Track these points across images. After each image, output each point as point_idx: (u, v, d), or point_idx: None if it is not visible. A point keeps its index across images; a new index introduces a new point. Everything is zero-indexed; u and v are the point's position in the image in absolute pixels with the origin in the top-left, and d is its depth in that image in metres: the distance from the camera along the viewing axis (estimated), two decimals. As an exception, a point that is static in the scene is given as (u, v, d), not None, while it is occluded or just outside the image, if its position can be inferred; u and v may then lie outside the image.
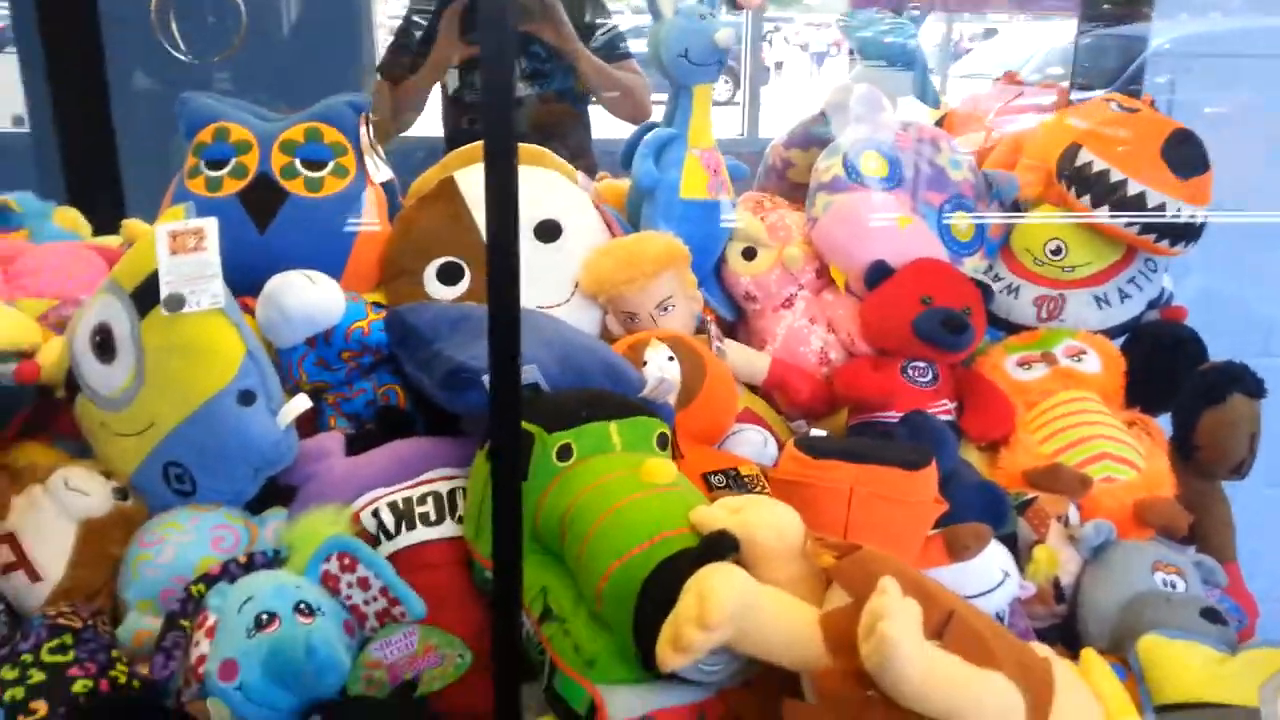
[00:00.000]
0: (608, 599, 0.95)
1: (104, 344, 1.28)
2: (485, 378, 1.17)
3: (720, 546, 0.92)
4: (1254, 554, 2.03)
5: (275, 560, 1.18)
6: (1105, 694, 0.93)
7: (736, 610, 0.83)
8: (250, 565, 1.16)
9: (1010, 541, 1.33)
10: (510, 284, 0.87)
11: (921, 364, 1.54)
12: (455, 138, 2.46)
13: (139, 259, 1.27)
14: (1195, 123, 1.62)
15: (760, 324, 1.70)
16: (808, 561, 0.95)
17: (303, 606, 1.09)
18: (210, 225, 1.25)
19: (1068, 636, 1.31)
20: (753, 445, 1.46)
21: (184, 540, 1.20)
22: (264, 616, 1.06)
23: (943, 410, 1.51)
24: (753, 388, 1.65)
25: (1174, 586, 1.26)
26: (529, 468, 1.07)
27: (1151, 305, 1.65)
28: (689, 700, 0.93)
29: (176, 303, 1.23)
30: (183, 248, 1.25)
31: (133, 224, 1.93)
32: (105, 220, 1.97)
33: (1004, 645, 0.87)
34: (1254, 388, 1.43)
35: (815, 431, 1.37)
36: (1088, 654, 0.98)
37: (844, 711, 0.83)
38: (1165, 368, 1.54)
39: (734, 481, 1.36)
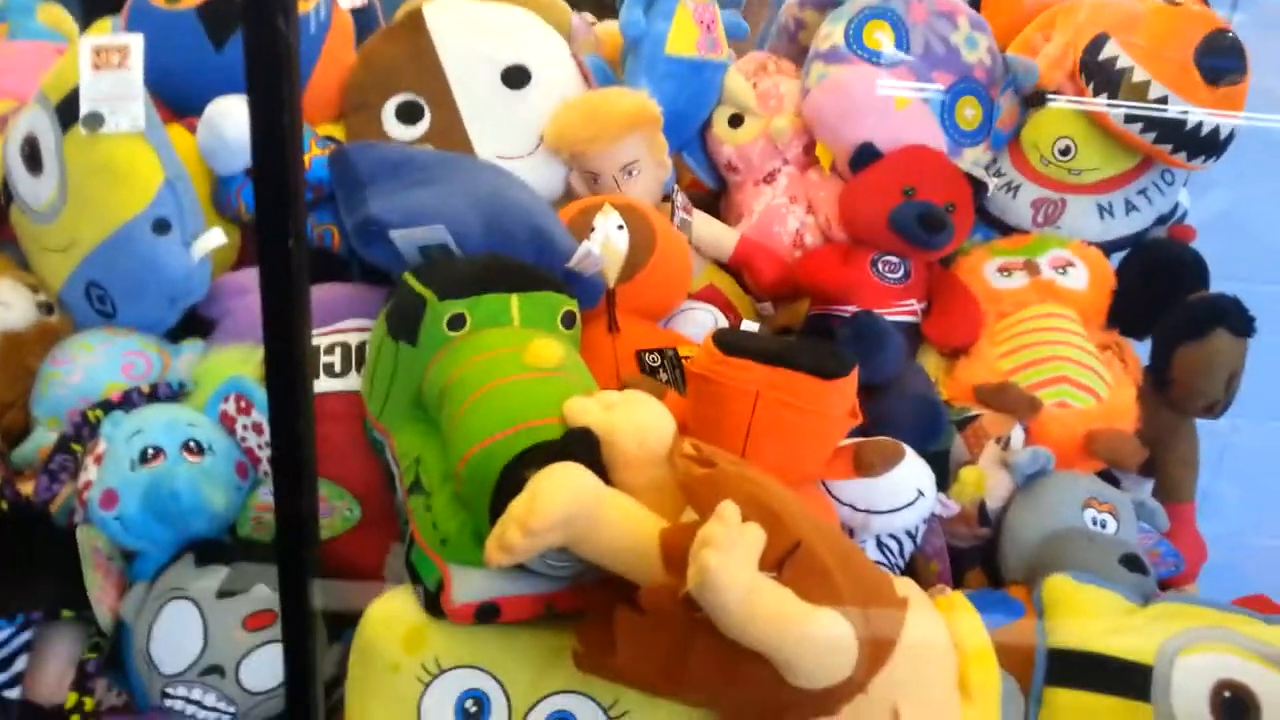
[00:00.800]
0: (467, 481, 0.92)
1: (32, 156, 1.25)
2: (394, 232, 1.12)
3: (578, 445, 0.88)
4: (1250, 489, 1.95)
5: (179, 393, 1.18)
6: (964, 639, 0.89)
7: (566, 515, 0.80)
8: (153, 396, 1.16)
9: (943, 457, 1.27)
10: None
11: (894, 259, 1.45)
12: None
13: (65, 71, 1.22)
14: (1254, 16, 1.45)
15: (739, 197, 1.60)
16: (673, 470, 0.91)
17: (192, 444, 1.09)
18: (135, 43, 1.19)
19: (989, 562, 1.27)
20: (701, 325, 1.40)
21: (94, 363, 1.20)
22: (149, 450, 1.07)
23: (907, 310, 1.43)
24: (723, 264, 1.57)
25: (1103, 526, 1.20)
26: (418, 333, 1.03)
27: (1160, 221, 1.52)
28: (537, 591, 0.92)
29: (95, 121, 1.18)
30: (106, 64, 1.19)
31: (106, 22, 1.87)
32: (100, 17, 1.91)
33: (854, 582, 0.83)
34: (1240, 325, 1.31)
35: (746, 324, 1.30)
36: (954, 597, 0.94)
37: (672, 630, 0.80)
38: (1156, 291, 1.43)
39: (669, 362, 1.31)
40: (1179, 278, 1.43)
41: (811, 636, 0.77)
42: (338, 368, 1.18)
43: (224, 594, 1.01)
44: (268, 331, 0.68)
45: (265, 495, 1.12)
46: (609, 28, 1.79)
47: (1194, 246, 1.49)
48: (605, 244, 1.31)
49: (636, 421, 0.90)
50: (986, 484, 1.23)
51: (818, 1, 1.72)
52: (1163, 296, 1.42)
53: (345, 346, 1.19)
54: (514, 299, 1.06)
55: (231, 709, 0.99)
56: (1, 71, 1.60)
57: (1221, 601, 1.11)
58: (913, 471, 1.15)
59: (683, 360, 1.30)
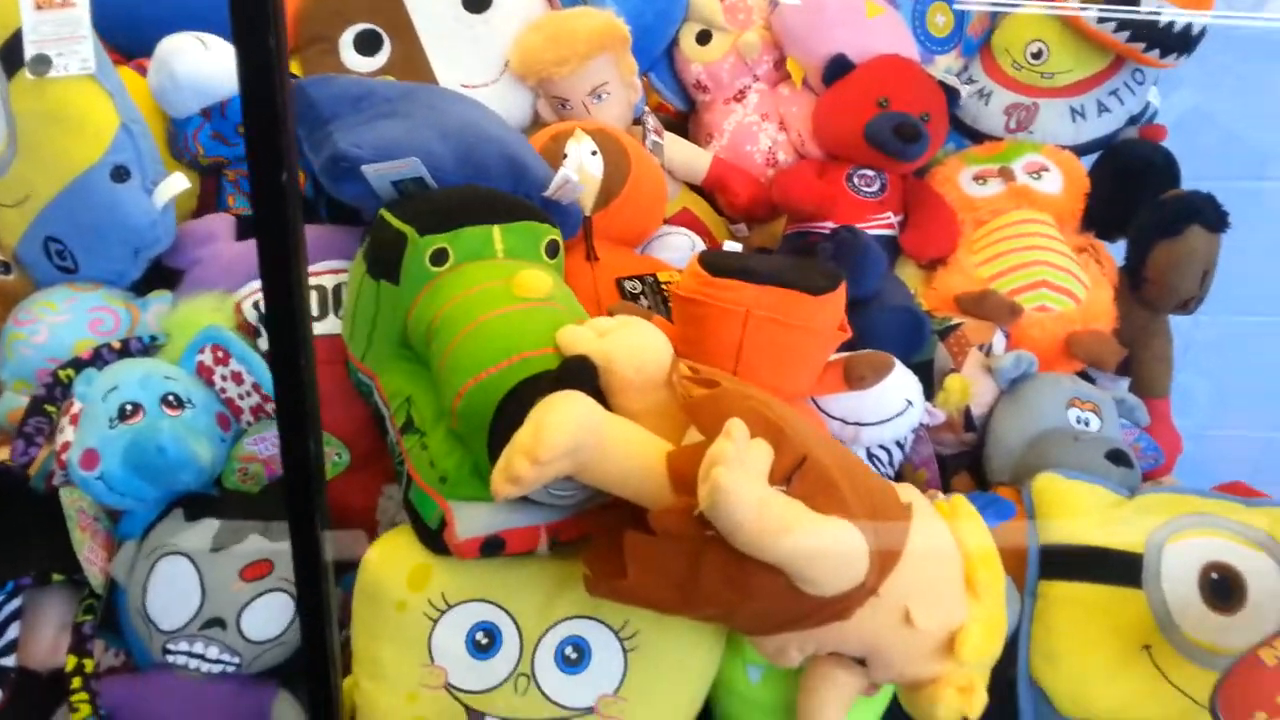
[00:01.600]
0: (462, 417, 0.91)
1: (-25, 105, 1.19)
2: (367, 167, 1.09)
3: (576, 373, 0.87)
4: (1215, 383, 1.99)
5: (151, 347, 1.14)
6: (967, 541, 0.90)
7: (573, 444, 0.79)
8: (125, 351, 1.13)
9: (927, 367, 1.28)
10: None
11: (869, 172, 1.44)
12: None
13: (3, 12, 1.16)
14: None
15: (709, 117, 1.58)
16: (672, 392, 0.90)
17: (171, 398, 1.06)
18: (75, -21, 1.13)
19: (976, 466, 1.29)
20: (678, 250, 1.38)
21: (59, 321, 1.16)
22: (127, 407, 1.04)
23: (884, 224, 1.42)
24: (696, 187, 1.55)
25: (1086, 424, 1.22)
26: (399, 271, 1.01)
27: (1132, 121, 1.52)
28: (540, 521, 0.91)
29: (42, 64, 1.13)
30: (49, 3, 1.13)
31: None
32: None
33: (859, 491, 0.84)
34: (1214, 221, 1.32)
35: (728, 245, 1.29)
36: (956, 499, 0.95)
37: (684, 550, 0.80)
38: (1129, 192, 1.43)
39: (650, 289, 1.29)
40: (1151, 177, 1.43)
41: (824, 545, 0.78)
42: (315, 311, 1.15)
43: (218, 547, 1.00)
44: (265, 271, 0.66)
45: (249, 446, 1.10)
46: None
47: (1164, 145, 1.48)
48: (580, 171, 1.28)
49: (633, 346, 0.89)
50: (971, 390, 1.23)
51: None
52: (1135, 197, 1.43)
53: (321, 290, 1.17)
54: (496, 230, 1.04)
55: (236, 659, 0.98)
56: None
57: (1203, 489, 1.14)
58: (900, 382, 1.16)
59: (663, 285, 1.29)
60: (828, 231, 1.37)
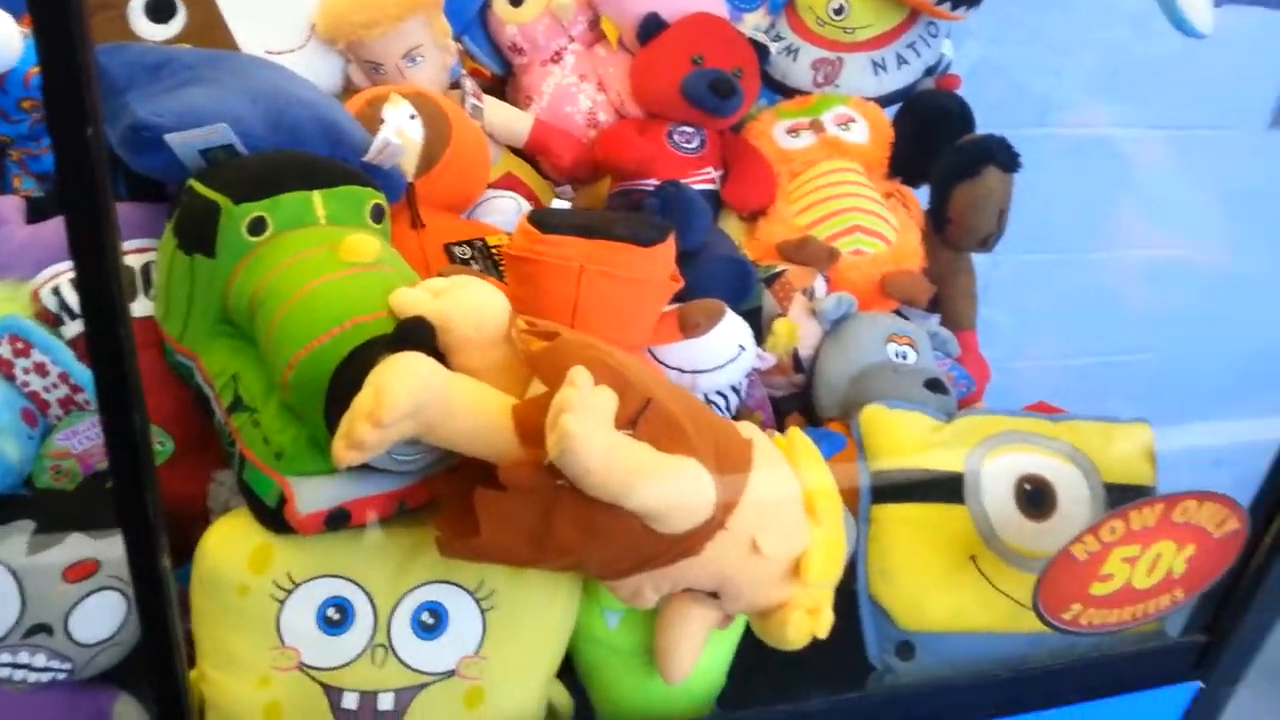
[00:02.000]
0: (295, 389, 0.88)
1: None
2: (171, 136, 1.03)
3: (414, 334, 0.85)
4: (1013, 317, 2.15)
5: (-61, 342, 1.05)
6: (805, 471, 0.94)
7: (416, 404, 0.78)
8: (-91, 350, 1.03)
9: (756, 314, 1.32)
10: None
11: (689, 129, 1.47)
12: None
13: None
14: None
15: (526, 80, 1.57)
16: (513, 348, 0.90)
17: (-33, 397, 0.98)
18: None
19: (807, 406, 1.35)
20: (505, 213, 1.38)
21: None
22: (-82, 412, 0.95)
23: (706, 179, 1.46)
24: (518, 151, 1.54)
25: (904, 357, 1.29)
26: (214, 243, 0.96)
27: (929, 73, 1.61)
28: (386, 489, 0.90)
29: None
30: None
31: None
32: None
33: (702, 430, 0.86)
34: (1008, 162, 1.43)
35: (557, 203, 1.29)
36: (792, 433, 0.99)
37: (535, 502, 0.81)
38: (929, 139, 1.52)
39: (480, 253, 1.28)
40: (948, 124, 1.53)
41: (673, 485, 0.80)
42: (124, 293, 1.08)
43: (36, 550, 0.93)
44: (74, 241, 0.61)
45: (61, 441, 1.03)
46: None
47: (959, 94, 1.58)
48: (400, 135, 1.25)
49: (470, 304, 0.88)
50: (798, 333, 1.29)
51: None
52: (935, 143, 1.52)
53: (129, 270, 1.09)
54: (317, 196, 1.00)
55: (67, 665, 0.92)
56: None
57: (1013, 409, 1.23)
58: (731, 329, 1.20)
59: (493, 249, 1.28)
60: (652, 188, 1.40)
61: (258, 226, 0.97)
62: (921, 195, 1.56)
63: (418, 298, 0.89)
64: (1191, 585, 1.09)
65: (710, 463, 0.84)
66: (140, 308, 1.08)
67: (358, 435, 0.76)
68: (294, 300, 0.90)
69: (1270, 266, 2.03)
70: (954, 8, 1.50)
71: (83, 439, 1.03)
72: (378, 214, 1.06)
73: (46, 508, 0.97)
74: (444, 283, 0.91)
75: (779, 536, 0.89)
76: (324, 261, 0.93)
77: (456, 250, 1.26)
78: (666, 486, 0.80)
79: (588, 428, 0.75)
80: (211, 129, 1.03)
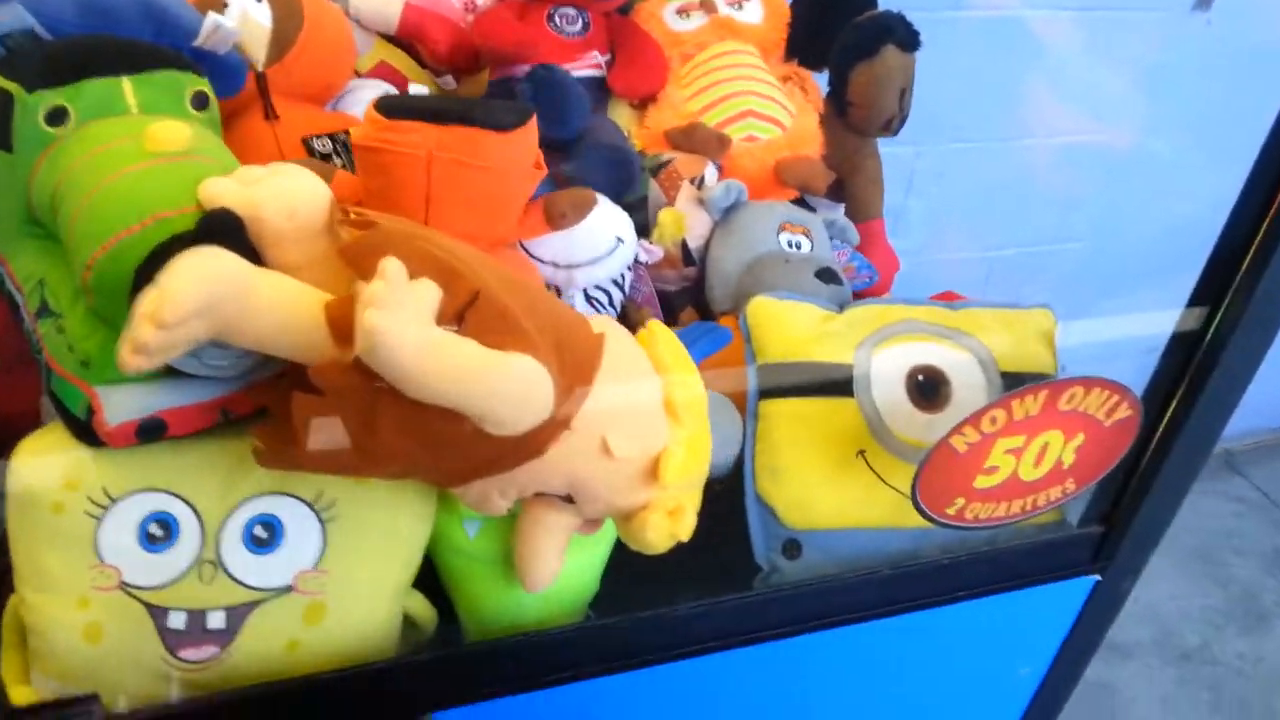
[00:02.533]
0: (97, 291, 0.80)
1: None
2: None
3: (218, 228, 0.78)
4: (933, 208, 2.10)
5: None
6: (665, 363, 0.89)
7: (205, 301, 0.71)
8: None
9: (642, 205, 1.26)
10: None
11: (571, 11, 1.37)
12: None
13: None
14: None
15: (399, -38, 1.45)
16: (335, 240, 0.82)
17: None
18: None
19: (700, 300, 1.29)
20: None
21: None
22: None
23: (591, 64, 1.37)
24: (392, 38, 1.44)
25: (798, 248, 1.24)
26: (9, 136, 0.87)
27: (828, -52, 1.51)
28: (204, 398, 0.83)
29: None
30: None
31: None
32: None
33: (542, 322, 0.80)
34: (907, 40, 1.35)
35: (414, 88, 1.20)
36: (652, 325, 0.93)
37: (352, 404, 0.75)
38: (829, 19, 1.43)
39: (343, 147, 1.20)
40: (849, 4, 1.44)
41: (500, 383, 0.74)
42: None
43: None
44: None
45: None
46: None
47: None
48: (244, 20, 1.15)
49: (283, 191, 0.80)
50: (685, 223, 1.22)
51: None
52: (835, 24, 1.43)
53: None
54: (126, 82, 0.91)
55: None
56: None
57: (911, 297, 1.18)
58: (608, 219, 1.13)
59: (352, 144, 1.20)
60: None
61: (58, 116, 0.87)
62: (821, 80, 1.48)
63: (227, 188, 0.81)
64: (1083, 476, 1.06)
65: (550, 358, 0.78)
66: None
67: (140, 337, 0.69)
68: (93, 194, 0.82)
69: (1190, 149, 1.98)
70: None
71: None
72: (200, 101, 0.97)
73: None
74: (259, 172, 0.83)
75: (631, 436, 0.84)
76: (129, 152, 0.84)
77: (316, 143, 1.18)
78: (493, 384, 0.73)
79: (396, 323, 0.68)
80: (4, 9, 0.92)
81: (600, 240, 1.11)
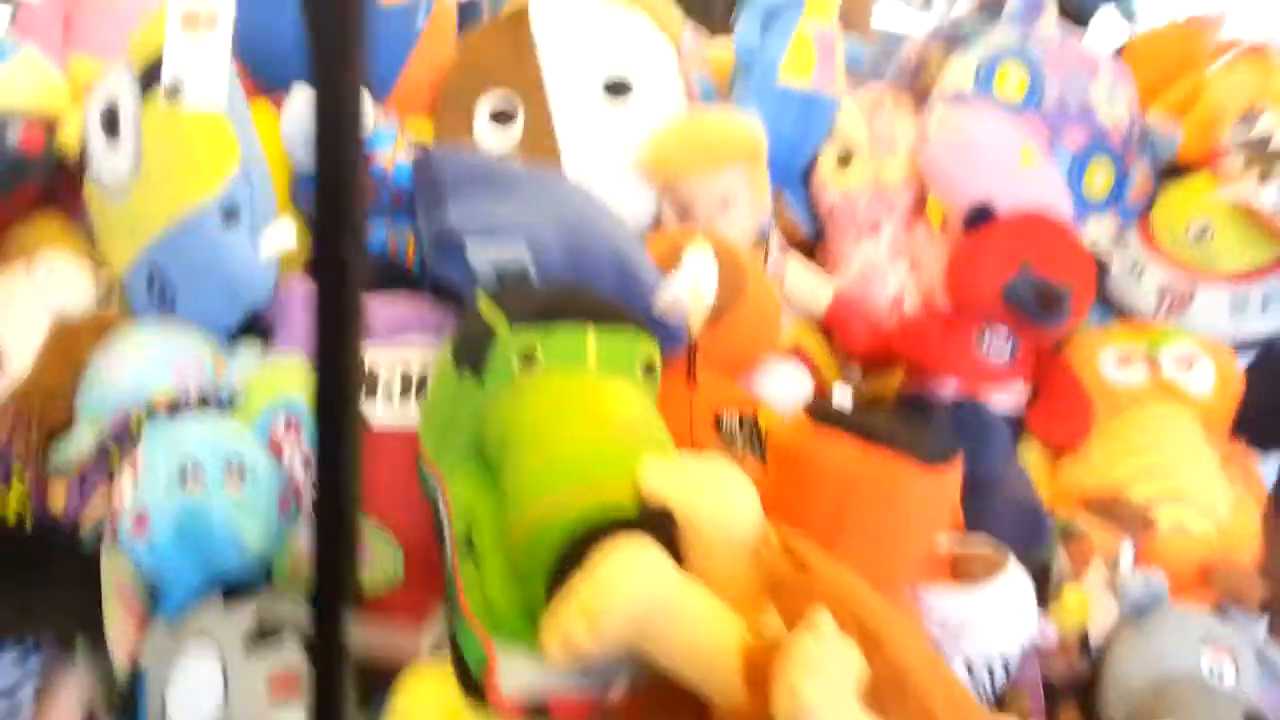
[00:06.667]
0: (522, 548, 0.83)
1: (111, 121, 1.17)
2: (469, 241, 1.03)
3: (653, 528, 0.78)
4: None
5: (229, 404, 1.09)
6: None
7: (641, 612, 0.70)
8: (203, 405, 1.07)
9: (1043, 573, 1.15)
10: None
11: (1002, 336, 1.33)
12: None
13: (151, 34, 1.14)
14: None
15: (837, 247, 1.49)
16: (757, 561, 0.80)
17: (236, 467, 0.99)
18: (225, 8, 1.11)
19: (1085, 699, 1.14)
20: (786, 385, 1.28)
21: (145, 361, 1.10)
22: (189, 468, 0.97)
23: (1011, 396, 1.30)
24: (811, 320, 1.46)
25: (1220, 673, 1.07)
26: (484, 364, 0.93)
27: (1300, 323, 1.38)
28: (592, 689, 0.81)
29: (175, 90, 1.10)
30: (193, 29, 1.11)
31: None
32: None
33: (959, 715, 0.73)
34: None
35: (838, 391, 1.18)
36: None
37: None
38: (1293, 405, 1.30)
39: (749, 431, 1.19)
40: (1317, 390, 1.30)
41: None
42: (395, 393, 1.08)
43: (251, 649, 0.91)
44: (317, 346, 0.59)
45: (303, 539, 1.03)
46: (719, 46, 1.69)
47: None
48: (692, 285, 1.20)
49: (722, 505, 0.80)
50: (1091, 609, 1.10)
51: (947, 38, 1.60)
52: (1298, 409, 1.29)
53: (406, 370, 1.10)
54: (591, 333, 0.95)
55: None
56: (97, 27, 1.53)
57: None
58: (1016, 588, 1.03)
59: (761, 429, 1.19)
60: (948, 396, 1.27)
61: (528, 357, 0.93)
62: (1269, 468, 1.32)
63: (668, 479, 0.81)
64: None
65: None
66: (410, 411, 1.07)
67: (573, 639, 0.69)
68: (541, 446, 0.86)
69: None
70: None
71: (322, 535, 1.02)
72: (649, 369, 1.00)
73: (276, 602, 0.97)
74: (699, 468, 0.83)
75: None
76: (581, 410, 0.88)
77: (726, 419, 1.18)
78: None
79: (824, 694, 0.64)
80: (507, 246, 1.02)
81: (1002, 610, 1.02)
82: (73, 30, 1.61)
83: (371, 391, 1.08)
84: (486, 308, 0.96)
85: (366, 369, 1.09)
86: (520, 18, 1.39)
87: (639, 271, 1.11)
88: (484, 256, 1.01)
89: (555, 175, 1.30)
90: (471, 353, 0.94)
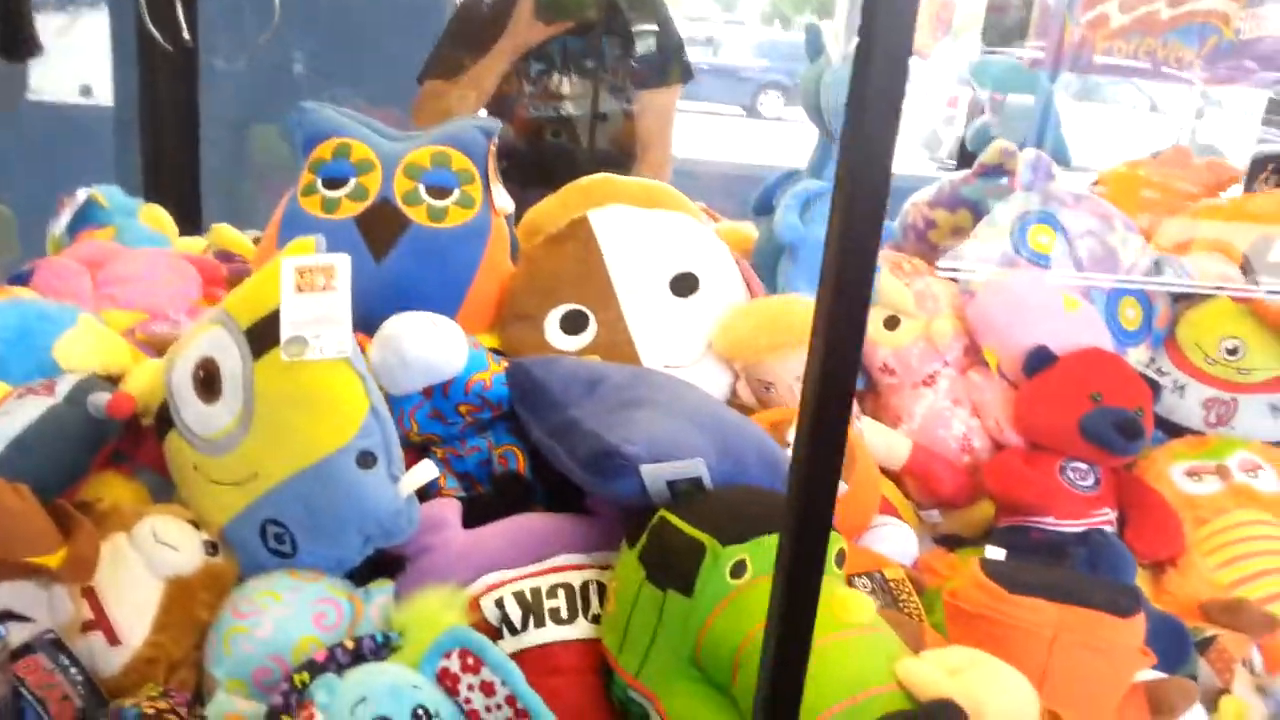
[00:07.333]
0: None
1: (208, 381, 1.16)
2: (646, 468, 1.04)
3: (947, 719, 0.78)
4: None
5: (385, 647, 1.05)
6: None
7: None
8: (358, 652, 1.03)
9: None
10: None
11: (1083, 466, 1.40)
12: (527, 153, 2.17)
13: (258, 293, 1.15)
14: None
15: (896, 400, 1.56)
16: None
17: (420, 712, 0.96)
18: (343, 263, 1.13)
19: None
20: (894, 542, 1.32)
21: (283, 614, 1.07)
22: (380, 723, 0.93)
23: (1104, 520, 1.37)
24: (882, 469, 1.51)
25: (1379, 759, 1.12)
26: (693, 583, 0.94)
27: (1333, 419, 1.51)
28: None
29: (298, 347, 1.10)
30: (310, 286, 1.12)
31: (222, 230, 1.83)
32: (179, 217, 1.86)
33: None
34: None
35: (990, 551, 1.22)
36: None
37: None
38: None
39: (880, 587, 1.22)
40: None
41: None
42: (564, 613, 1.07)
43: None
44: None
45: (497, 771, 0.99)
46: (726, 227, 1.78)
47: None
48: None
49: (1004, 691, 0.81)
50: (1248, 715, 1.14)
51: (949, 202, 1.74)
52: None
53: (569, 588, 1.09)
54: (789, 539, 0.98)
55: None
56: (122, 280, 1.53)
57: None
58: (1194, 714, 1.07)
59: (890, 583, 1.22)
60: (1055, 528, 1.32)
61: (739, 569, 0.95)
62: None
63: (934, 675, 0.82)
64: None
65: None
66: (580, 629, 1.06)
67: None
68: (795, 661, 0.85)
69: None
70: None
71: (519, 769, 0.98)
72: (840, 559, 1.02)
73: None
74: (960, 659, 0.84)
75: None
76: (822, 619, 0.88)
77: (858, 583, 1.21)
78: None
79: None
80: (688, 463, 1.04)
81: (1191, 734, 1.05)
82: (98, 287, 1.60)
83: (540, 620, 1.06)
84: (688, 529, 0.96)
85: (529, 597, 1.08)
86: (583, 229, 1.45)
87: (780, 461, 1.14)
88: (659, 474, 1.02)
89: (660, 373, 1.33)
90: (679, 573, 0.95)
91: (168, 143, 2.15)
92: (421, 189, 1.40)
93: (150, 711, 0.93)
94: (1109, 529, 1.33)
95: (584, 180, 1.62)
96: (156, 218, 1.78)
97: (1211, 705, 1.16)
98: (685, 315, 1.44)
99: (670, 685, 0.95)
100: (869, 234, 0.62)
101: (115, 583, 1.11)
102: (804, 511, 0.64)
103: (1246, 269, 1.48)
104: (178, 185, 2.13)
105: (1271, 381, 1.49)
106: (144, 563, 1.12)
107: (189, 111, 2.16)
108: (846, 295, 0.63)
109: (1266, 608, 1.25)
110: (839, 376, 0.63)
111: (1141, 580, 1.36)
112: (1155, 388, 1.44)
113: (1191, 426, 1.52)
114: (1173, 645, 1.17)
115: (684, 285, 1.44)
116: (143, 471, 1.30)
